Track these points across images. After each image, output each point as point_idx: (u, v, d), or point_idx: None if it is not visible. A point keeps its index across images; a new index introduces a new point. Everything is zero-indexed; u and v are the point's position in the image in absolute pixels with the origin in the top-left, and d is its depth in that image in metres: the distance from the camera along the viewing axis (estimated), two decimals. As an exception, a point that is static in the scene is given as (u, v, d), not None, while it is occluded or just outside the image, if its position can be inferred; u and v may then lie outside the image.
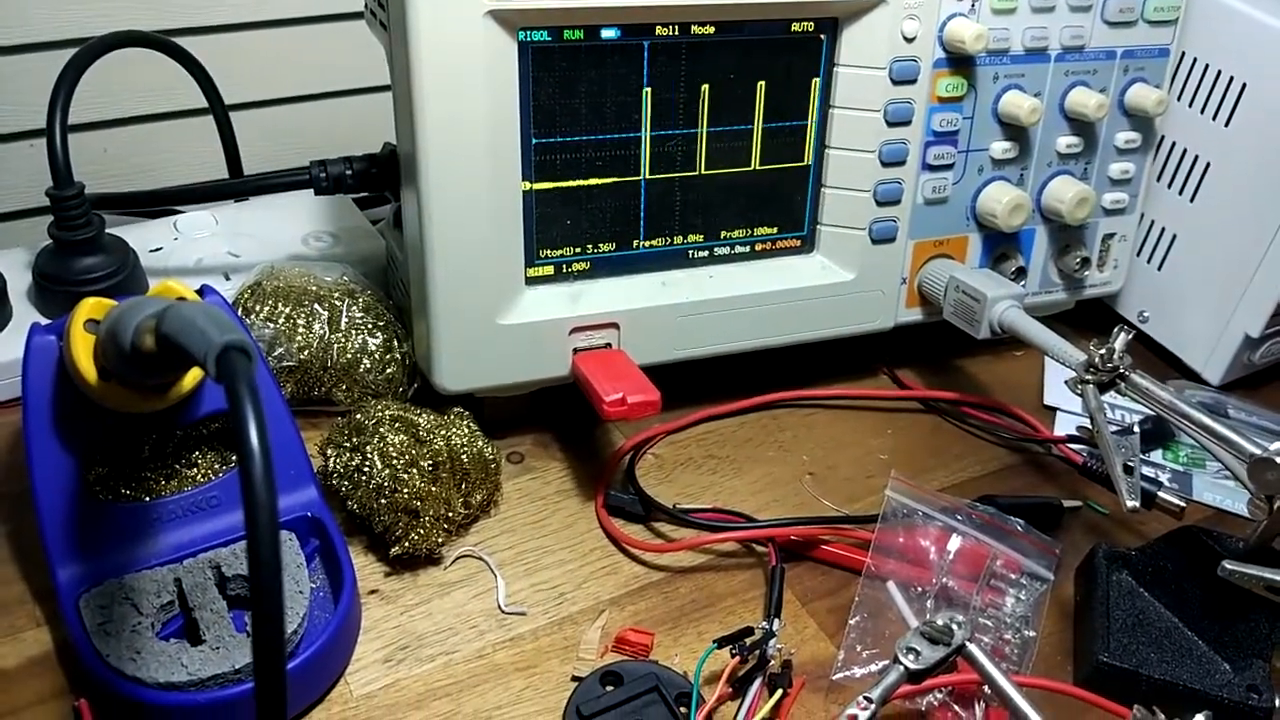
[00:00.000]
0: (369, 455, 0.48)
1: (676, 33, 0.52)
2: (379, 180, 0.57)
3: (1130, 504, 0.46)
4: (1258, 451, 0.44)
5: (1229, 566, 0.43)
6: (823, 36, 0.55)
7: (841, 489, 0.56)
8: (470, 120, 0.48)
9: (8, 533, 0.50)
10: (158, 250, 0.64)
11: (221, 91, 0.67)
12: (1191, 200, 0.64)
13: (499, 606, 0.48)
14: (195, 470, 0.47)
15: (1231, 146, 0.62)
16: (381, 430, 0.48)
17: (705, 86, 0.54)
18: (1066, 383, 0.52)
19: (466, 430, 0.51)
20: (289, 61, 0.77)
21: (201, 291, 0.47)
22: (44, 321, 0.56)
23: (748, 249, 0.59)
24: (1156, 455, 0.60)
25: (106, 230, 0.59)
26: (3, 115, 0.70)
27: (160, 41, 0.63)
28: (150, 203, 0.64)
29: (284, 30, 0.76)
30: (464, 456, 0.49)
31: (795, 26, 0.54)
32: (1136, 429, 0.54)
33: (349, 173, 0.57)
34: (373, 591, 0.48)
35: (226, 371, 0.31)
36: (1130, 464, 0.47)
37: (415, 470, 0.48)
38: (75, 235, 0.57)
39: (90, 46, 0.57)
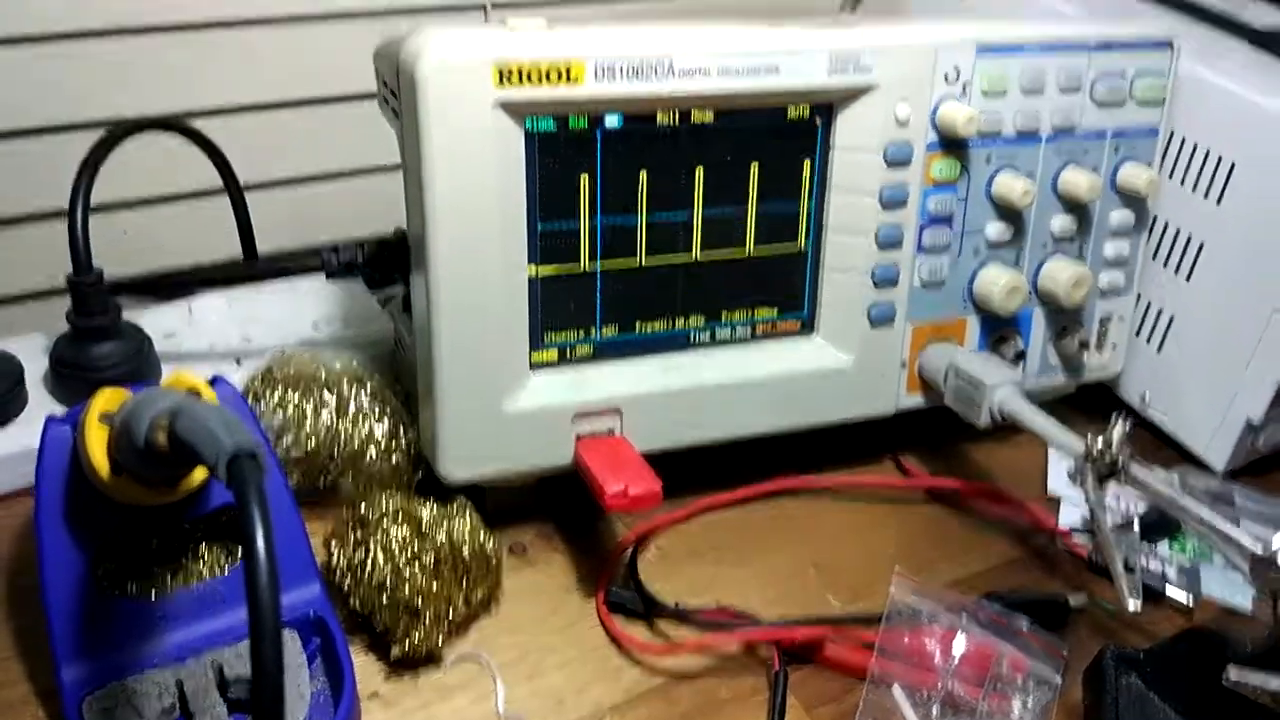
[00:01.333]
0: (372, 550, 0.48)
1: (677, 120, 0.53)
2: (389, 264, 0.58)
3: (1132, 605, 0.46)
4: (1258, 550, 0.44)
5: (1233, 676, 0.43)
6: (818, 121, 0.56)
7: (847, 582, 0.56)
8: (478, 206, 0.50)
9: (15, 628, 0.50)
10: (171, 335, 0.65)
11: (237, 171, 0.68)
12: (1187, 280, 0.65)
13: (498, 713, 0.48)
14: (201, 564, 0.48)
15: (1224, 225, 0.62)
16: (385, 524, 0.49)
17: (704, 171, 0.55)
18: (1067, 473, 0.52)
19: (468, 523, 0.51)
20: (304, 141, 0.79)
21: (213, 381, 0.47)
22: (59, 408, 0.58)
23: (748, 331, 0.59)
24: (1163, 547, 0.60)
25: (122, 315, 0.60)
26: (23, 198, 0.71)
27: (181, 126, 0.64)
28: (166, 287, 0.65)
29: (300, 111, 0.78)
30: (465, 551, 0.50)
31: (791, 112, 0.55)
32: (1137, 523, 0.54)
33: (360, 258, 0.58)
34: (373, 695, 0.48)
35: (236, 477, 0.32)
36: (1130, 561, 0.47)
37: (417, 565, 0.48)
38: (92, 322, 0.58)
39: (111, 134, 0.58)
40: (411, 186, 0.50)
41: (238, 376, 0.58)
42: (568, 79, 0.49)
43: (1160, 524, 0.60)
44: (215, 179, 0.67)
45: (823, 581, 0.56)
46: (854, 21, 0.56)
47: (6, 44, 0.66)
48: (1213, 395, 0.64)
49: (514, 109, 0.49)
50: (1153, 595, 0.54)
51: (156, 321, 0.65)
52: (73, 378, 0.59)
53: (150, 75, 0.71)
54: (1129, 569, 0.47)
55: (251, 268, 0.67)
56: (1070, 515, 0.62)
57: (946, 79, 0.56)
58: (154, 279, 0.65)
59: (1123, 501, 0.62)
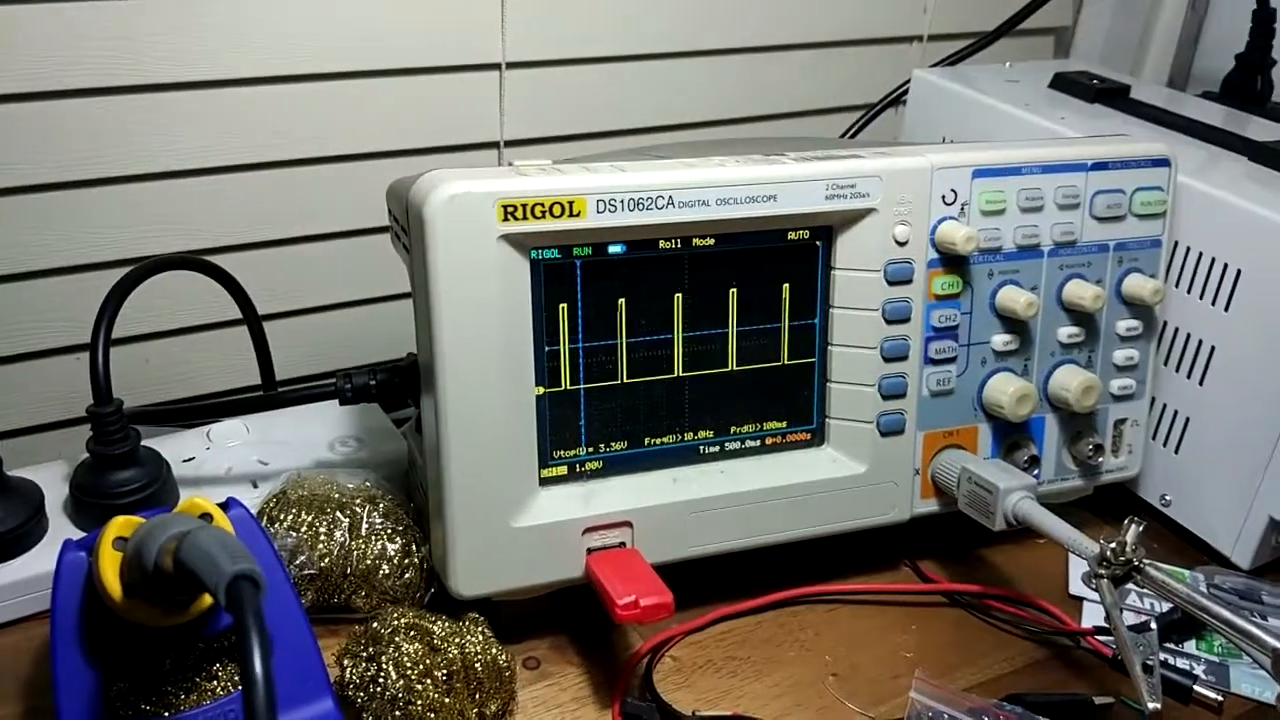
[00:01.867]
0: (384, 665, 0.48)
1: (679, 245, 0.55)
2: (401, 389, 0.60)
3: (1151, 705, 0.45)
4: (1279, 645, 0.43)
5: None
6: (818, 243, 0.57)
7: (866, 690, 0.55)
8: (486, 333, 0.51)
9: (26, 752, 0.50)
10: (190, 460, 0.66)
11: (257, 302, 0.70)
12: (1200, 383, 0.65)
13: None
14: (215, 683, 0.47)
15: (1234, 330, 0.63)
16: (397, 639, 0.49)
17: (707, 293, 0.56)
18: (1082, 577, 0.52)
19: (481, 637, 0.51)
20: (321, 273, 0.81)
21: (226, 504, 0.48)
22: (78, 533, 0.59)
23: (758, 443, 0.60)
24: (1190, 645, 0.59)
25: (142, 443, 0.62)
26: (47, 332, 0.73)
27: (201, 264, 0.67)
28: (185, 417, 0.66)
29: (315, 245, 0.81)
30: (478, 665, 0.50)
31: (791, 235, 0.57)
32: (1154, 625, 0.53)
33: (372, 383, 0.60)
34: (385, 809, 0.47)
35: (234, 600, 0.32)
36: (1149, 662, 0.46)
37: (430, 680, 0.48)
38: (112, 450, 0.59)
39: (134, 272, 0.61)
40: (421, 316, 0.52)
41: (255, 498, 0.59)
42: (570, 213, 0.51)
43: (1188, 622, 0.59)
44: (234, 310, 0.70)
45: (841, 689, 0.55)
46: (852, 149, 0.58)
47: (35, 190, 0.70)
48: (1234, 495, 0.63)
49: (518, 241, 0.51)
50: (1182, 693, 0.53)
51: (175, 447, 0.66)
52: (92, 504, 0.60)
53: (168, 215, 0.74)
54: (1147, 670, 0.46)
55: (267, 399, 0.68)
56: (1093, 615, 0.60)
57: (944, 200, 0.58)
58: (174, 411, 0.67)
59: (1148, 601, 0.61)
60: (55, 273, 0.72)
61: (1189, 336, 0.65)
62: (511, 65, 0.81)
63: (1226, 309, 0.63)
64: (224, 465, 0.66)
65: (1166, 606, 0.61)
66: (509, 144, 0.83)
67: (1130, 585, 0.50)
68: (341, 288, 0.82)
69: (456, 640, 0.50)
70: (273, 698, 0.30)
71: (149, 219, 0.74)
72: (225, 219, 0.76)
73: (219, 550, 0.35)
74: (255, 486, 0.64)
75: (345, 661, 0.50)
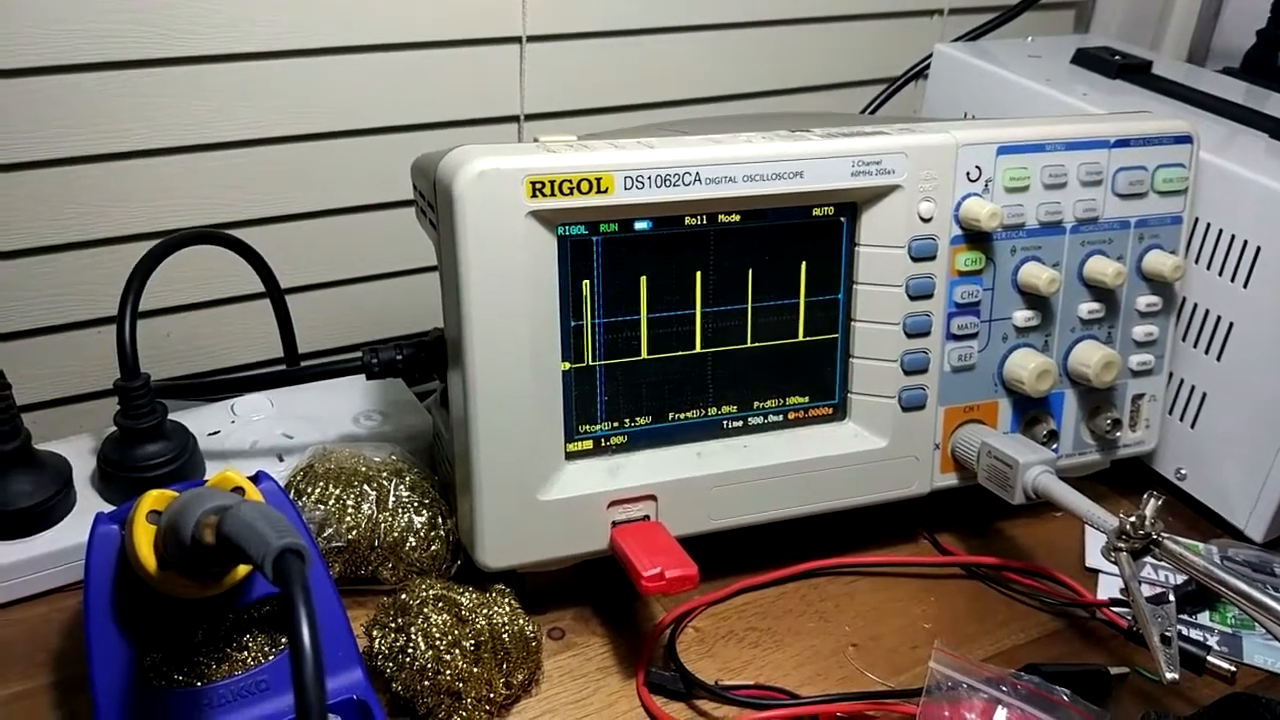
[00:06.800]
0: (413, 636, 0.49)
1: (704, 222, 0.55)
2: (427, 364, 0.60)
3: (1169, 676, 0.45)
4: (1298, 619, 0.44)
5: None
6: (843, 220, 0.58)
7: (886, 660, 0.56)
8: (513, 308, 0.52)
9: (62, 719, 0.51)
10: (215, 434, 0.66)
11: (279, 276, 0.71)
12: (1218, 359, 0.65)
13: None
14: (246, 653, 0.48)
15: (1252, 307, 0.63)
16: (425, 610, 0.50)
17: (732, 269, 0.57)
18: (1101, 550, 0.52)
19: (508, 608, 0.52)
20: (342, 247, 0.81)
21: (256, 477, 0.49)
22: (106, 507, 0.59)
23: (781, 418, 0.60)
24: (1204, 617, 0.60)
25: (168, 416, 0.62)
26: (72, 306, 0.74)
27: (224, 238, 0.67)
28: (211, 391, 0.67)
29: (336, 218, 0.81)
30: (505, 636, 0.50)
31: (816, 211, 0.57)
32: (1172, 597, 0.54)
33: (399, 358, 0.60)
34: (418, 776, 0.48)
35: (282, 574, 0.32)
36: (1167, 634, 0.47)
37: (458, 651, 0.48)
38: (139, 424, 0.60)
39: (158, 248, 0.61)
40: (448, 291, 0.53)
41: (280, 472, 0.59)
42: (598, 190, 0.51)
43: (1202, 594, 0.60)
44: (257, 284, 0.70)
45: (861, 659, 0.56)
46: (877, 126, 0.58)
47: (60, 164, 0.70)
48: (1249, 469, 0.64)
49: (546, 218, 0.51)
50: (1196, 664, 0.54)
51: (201, 420, 0.66)
52: (120, 477, 0.60)
53: (191, 189, 0.74)
54: (1165, 641, 0.47)
55: (296, 374, 0.68)
56: (1109, 588, 0.61)
57: (969, 177, 0.58)
58: (200, 385, 0.67)
59: (1162, 573, 0.62)
60: (78, 246, 0.72)
61: (1208, 312, 0.66)
62: (532, 39, 0.80)
63: (1245, 285, 0.63)
64: (249, 439, 0.66)
65: (1179, 579, 0.61)
66: (529, 118, 0.83)
67: (1147, 558, 0.50)
68: (362, 262, 0.82)
69: (484, 611, 0.51)
70: (321, 668, 0.31)
71: (172, 193, 0.74)
72: (247, 192, 0.76)
73: (264, 524, 0.36)
74: (280, 460, 0.65)
75: (374, 632, 0.51)
